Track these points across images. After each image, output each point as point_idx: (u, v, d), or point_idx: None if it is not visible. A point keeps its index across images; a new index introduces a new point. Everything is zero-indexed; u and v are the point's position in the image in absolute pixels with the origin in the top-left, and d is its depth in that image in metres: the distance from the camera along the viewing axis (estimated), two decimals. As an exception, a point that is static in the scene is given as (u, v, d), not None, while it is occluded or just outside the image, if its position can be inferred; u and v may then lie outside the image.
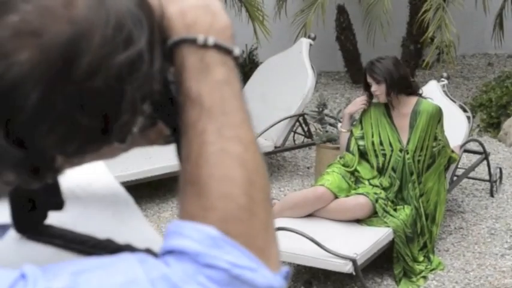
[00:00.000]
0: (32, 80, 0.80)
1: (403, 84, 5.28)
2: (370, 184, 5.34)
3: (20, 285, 0.78)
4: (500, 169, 6.58)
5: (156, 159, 6.00)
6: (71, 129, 0.83)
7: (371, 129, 5.41)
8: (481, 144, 6.44)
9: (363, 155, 5.45)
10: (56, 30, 0.81)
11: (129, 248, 1.07)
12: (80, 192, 1.05)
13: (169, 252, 0.85)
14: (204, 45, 0.92)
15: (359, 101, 5.51)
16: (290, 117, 6.59)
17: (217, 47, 0.92)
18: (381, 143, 5.37)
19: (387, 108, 5.39)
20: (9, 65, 0.79)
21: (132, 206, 1.33)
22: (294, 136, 7.23)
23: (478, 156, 6.57)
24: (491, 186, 6.40)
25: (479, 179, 6.56)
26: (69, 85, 0.81)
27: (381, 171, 5.38)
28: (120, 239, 1.15)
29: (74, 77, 0.81)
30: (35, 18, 0.81)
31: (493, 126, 7.79)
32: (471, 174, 6.50)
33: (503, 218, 5.99)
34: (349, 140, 5.50)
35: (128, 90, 0.84)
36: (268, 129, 6.46)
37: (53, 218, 1.11)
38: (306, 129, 6.98)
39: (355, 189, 5.32)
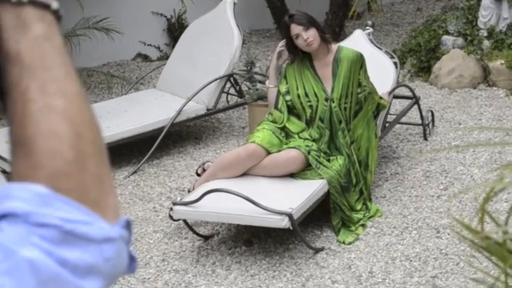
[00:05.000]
0: None
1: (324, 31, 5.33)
2: (300, 138, 5.34)
3: None
4: (432, 112, 6.63)
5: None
6: None
7: (295, 82, 5.40)
8: (410, 89, 6.48)
9: (291, 110, 5.44)
10: None
11: None
12: None
13: (2, 217, 0.83)
14: (19, 2, 0.90)
15: (278, 50, 5.53)
16: (219, 78, 6.54)
17: (33, 3, 0.91)
18: (306, 95, 5.37)
19: (310, 60, 5.39)
20: None
21: None
22: (227, 97, 7.20)
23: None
24: (424, 130, 6.45)
25: (412, 124, 6.61)
26: None
27: (309, 123, 5.39)
28: None
29: None
30: None
31: (423, 70, 7.83)
32: (404, 120, 6.54)
33: (437, 160, 6.04)
34: (277, 97, 5.49)
35: None
36: (198, 92, 6.42)
37: None
38: (237, 89, 6.95)
39: (286, 143, 5.31)
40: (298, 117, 5.42)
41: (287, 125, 5.38)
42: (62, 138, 0.86)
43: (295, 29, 5.29)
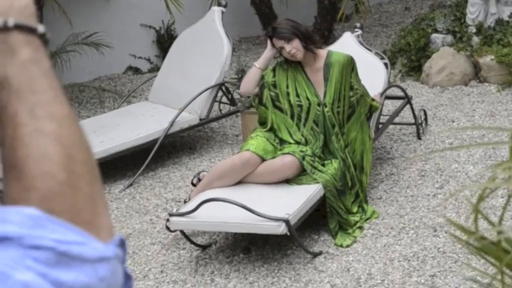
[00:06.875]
0: None
1: (310, 38, 5.31)
2: (294, 141, 5.35)
3: None
4: (424, 111, 6.64)
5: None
6: None
7: (286, 81, 5.38)
8: (402, 89, 6.49)
9: (273, 102, 5.42)
10: None
11: None
12: None
13: None
14: (5, 28, 0.91)
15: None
16: (210, 87, 6.54)
17: (19, 27, 0.92)
18: (297, 96, 5.37)
19: (302, 66, 5.39)
20: None
21: None
22: (219, 106, 7.20)
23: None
24: (418, 129, 6.46)
25: (405, 124, 6.62)
26: None
27: (298, 119, 5.37)
28: None
29: None
30: None
31: (414, 69, 7.84)
32: (397, 120, 6.55)
33: (432, 159, 6.05)
34: (261, 91, 5.46)
35: None
36: (190, 102, 6.42)
37: None
38: (229, 97, 6.95)
39: (280, 149, 5.32)
40: (281, 109, 5.42)
41: (273, 117, 5.37)
42: (53, 160, 0.87)
43: (278, 42, 5.31)
